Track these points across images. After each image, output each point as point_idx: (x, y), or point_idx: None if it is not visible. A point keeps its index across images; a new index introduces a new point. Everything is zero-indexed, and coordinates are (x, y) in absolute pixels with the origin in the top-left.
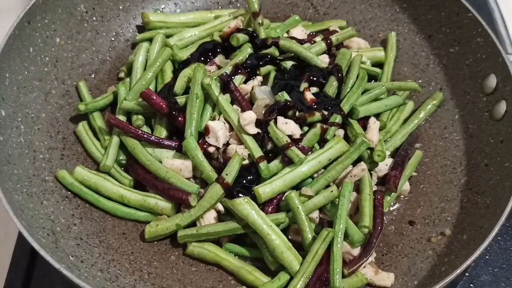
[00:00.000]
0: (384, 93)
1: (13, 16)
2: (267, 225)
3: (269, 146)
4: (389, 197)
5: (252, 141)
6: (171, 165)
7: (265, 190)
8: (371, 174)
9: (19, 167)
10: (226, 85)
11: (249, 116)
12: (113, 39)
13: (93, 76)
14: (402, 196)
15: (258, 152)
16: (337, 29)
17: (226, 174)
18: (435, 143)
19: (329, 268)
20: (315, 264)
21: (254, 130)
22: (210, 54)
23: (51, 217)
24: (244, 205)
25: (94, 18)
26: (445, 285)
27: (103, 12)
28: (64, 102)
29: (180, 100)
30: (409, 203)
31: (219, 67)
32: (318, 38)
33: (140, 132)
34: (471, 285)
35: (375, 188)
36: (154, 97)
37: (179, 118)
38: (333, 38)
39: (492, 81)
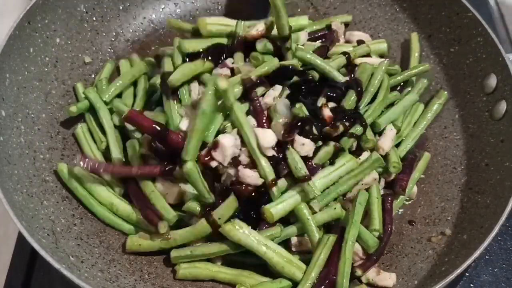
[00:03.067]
0: (400, 99)
1: (13, 16)
2: (262, 244)
3: (284, 172)
4: (397, 201)
5: (267, 163)
6: (160, 187)
7: (277, 210)
8: (379, 178)
9: (19, 167)
10: (247, 92)
11: (272, 139)
12: (113, 39)
13: (93, 76)
14: (408, 199)
15: (271, 175)
16: (339, 24)
17: (219, 218)
18: (435, 142)
19: (338, 272)
20: (318, 270)
21: (271, 152)
22: (223, 55)
23: (51, 217)
24: (234, 231)
25: (94, 18)
26: (445, 285)
27: (103, 12)
28: (64, 103)
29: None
30: (409, 203)
31: (232, 71)
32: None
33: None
34: (471, 285)
35: (382, 191)
36: (140, 118)
37: (172, 137)
38: (351, 53)
39: (492, 80)
